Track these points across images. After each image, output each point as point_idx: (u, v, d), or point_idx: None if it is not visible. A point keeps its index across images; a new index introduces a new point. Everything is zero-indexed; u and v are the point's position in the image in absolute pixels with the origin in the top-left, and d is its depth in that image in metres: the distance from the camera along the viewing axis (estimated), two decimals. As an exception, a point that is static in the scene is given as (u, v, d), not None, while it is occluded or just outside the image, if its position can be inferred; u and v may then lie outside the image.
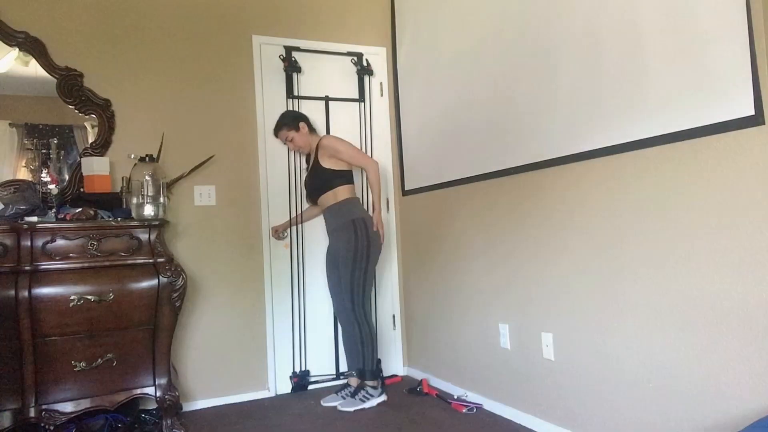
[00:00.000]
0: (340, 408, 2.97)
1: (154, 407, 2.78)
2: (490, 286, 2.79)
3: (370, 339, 3.07)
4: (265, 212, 3.35)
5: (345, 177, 3.15)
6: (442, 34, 3.14)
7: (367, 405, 2.98)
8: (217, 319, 3.20)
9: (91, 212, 2.56)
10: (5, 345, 2.32)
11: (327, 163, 3.13)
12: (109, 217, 2.63)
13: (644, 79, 1.94)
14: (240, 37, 3.35)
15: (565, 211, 2.32)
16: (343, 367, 3.39)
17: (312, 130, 3.27)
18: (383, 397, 3.06)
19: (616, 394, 2.10)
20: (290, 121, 3.20)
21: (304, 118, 3.25)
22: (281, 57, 3.42)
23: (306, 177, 3.28)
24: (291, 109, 3.40)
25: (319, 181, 3.14)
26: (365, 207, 3.37)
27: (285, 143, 3.26)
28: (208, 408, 3.10)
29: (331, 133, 3.53)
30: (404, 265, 3.66)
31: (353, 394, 3.05)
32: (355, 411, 2.93)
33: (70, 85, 2.92)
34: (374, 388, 3.05)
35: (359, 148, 3.54)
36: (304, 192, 3.32)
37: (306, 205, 3.40)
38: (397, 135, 3.66)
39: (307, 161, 3.33)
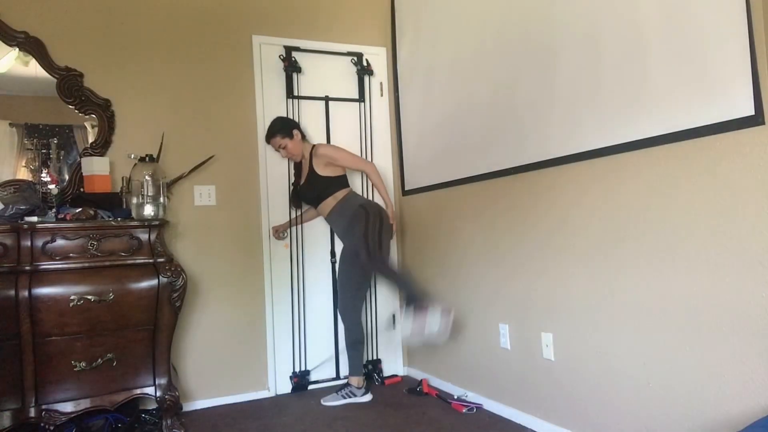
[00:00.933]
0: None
1: (154, 407, 2.78)
2: (490, 286, 2.79)
3: (401, 277, 3.24)
4: (265, 212, 3.35)
5: (342, 182, 3.20)
6: (442, 34, 3.14)
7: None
8: (217, 319, 3.20)
9: (91, 212, 2.57)
10: (5, 345, 2.32)
11: (324, 171, 3.14)
12: (109, 217, 2.63)
13: (644, 80, 1.93)
14: (240, 37, 3.35)
15: (564, 211, 2.32)
16: (343, 367, 3.39)
17: (304, 137, 3.27)
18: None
19: (616, 394, 2.10)
20: (283, 128, 3.18)
21: (297, 126, 3.25)
22: (281, 57, 3.42)
23: (302, 185, 3.25)
24: (283, 115, 3.34)
25: (318, 189, 3.16)
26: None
27: (277, 150, 3.23)
28: (208, 408, 3.10)
29: (332, 133, 3.53)
30: (404, 265, 3.65)
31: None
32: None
33: (70, 85, 2.91)
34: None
35: (359, 149, 3.57)
36: (296, 199, 3.32)
37: (296, 211, 3.38)
38: (397, 135, 3.66)
39: (296, 168, 3.31)
